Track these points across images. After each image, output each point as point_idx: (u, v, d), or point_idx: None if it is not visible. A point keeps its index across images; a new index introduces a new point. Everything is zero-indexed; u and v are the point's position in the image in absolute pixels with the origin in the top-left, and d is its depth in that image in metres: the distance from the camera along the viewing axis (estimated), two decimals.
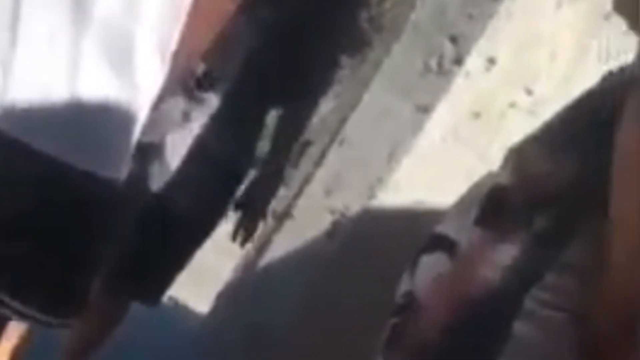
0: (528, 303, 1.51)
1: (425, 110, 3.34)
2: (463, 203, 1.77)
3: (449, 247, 1.65)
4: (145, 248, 3.50)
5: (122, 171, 2.07)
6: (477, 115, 3.32)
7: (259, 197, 3.62)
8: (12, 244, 2.03)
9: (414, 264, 1.71)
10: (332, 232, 3.51)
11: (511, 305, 1.52)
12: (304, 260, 3.56)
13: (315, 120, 3.66)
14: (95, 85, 1.97)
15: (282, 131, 3.60)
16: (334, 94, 3.71)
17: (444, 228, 1.72)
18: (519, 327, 1.51)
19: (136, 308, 3.45)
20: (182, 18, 2.04)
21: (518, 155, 1.68)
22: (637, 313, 1.49)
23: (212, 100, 3.47)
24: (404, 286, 1.71)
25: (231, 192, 3.66)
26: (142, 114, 2.05)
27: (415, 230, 3.34)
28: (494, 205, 1.63)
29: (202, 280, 4.08)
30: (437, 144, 3.34)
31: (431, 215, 3.35)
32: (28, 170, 1.97)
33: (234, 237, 3.54)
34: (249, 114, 3.56)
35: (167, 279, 3.66)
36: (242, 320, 3.60)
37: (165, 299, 3.65)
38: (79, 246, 2.09)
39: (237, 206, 3.60)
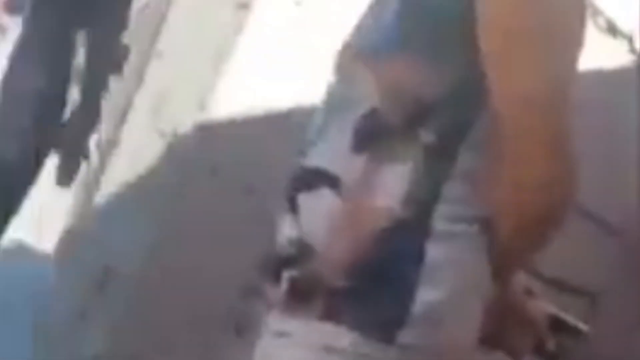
0: (439, 224, 1.43)
1: (245, 6, 3.04)
2: (312, 128, 1.56)
3: (331, 181, 1.51)
4: None
5: None
6: (298, 3, 3.04)
7: (77, 131, 3.46)
8: None
9: (292, 205, 1.55)
10: (167, 157, 3.21)
11: (419, 229, 1.44)
12: (139, 193, 3.27)
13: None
14: None
15: (93, 56, 3.41)
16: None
17: (316, 161, 1.55)
18: (435, 250, 1.43)
19: None
20: None
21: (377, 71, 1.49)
22: (539, 212, 1.45)
23: (14, 29, 3.28)
24: (286, 232, 1.56)
25: (50, 128, 3.48)
26: None
27: (255, 137, 3.12)
28: (370, 128, 1.49)
29: (42, 218, 3.80)
30: (259, 41, 3.04)
31: (273, 117, 3.11)
32: None
33: (58, 178, 3.37)
34: (54, 38, 3.36)
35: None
36: (91, 263, 3.32)
37: (7, 242, 3.49)
38: None
39: (57, 144, 3.42)
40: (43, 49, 3.31)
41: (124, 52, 3.48)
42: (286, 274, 1.54)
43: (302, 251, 1.53)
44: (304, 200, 1.56)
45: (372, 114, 1.50)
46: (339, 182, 1.51)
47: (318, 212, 1.53)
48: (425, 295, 1.42)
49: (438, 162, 1.45)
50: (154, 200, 3.22)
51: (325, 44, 3.03)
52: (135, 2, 3.47)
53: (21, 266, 3.73)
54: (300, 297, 1.50)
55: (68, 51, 3.41)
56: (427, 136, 1.45)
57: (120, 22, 3.43)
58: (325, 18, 3.02)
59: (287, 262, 1.55)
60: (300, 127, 3.04)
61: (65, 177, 3.52)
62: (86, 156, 3.54)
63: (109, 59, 3.53)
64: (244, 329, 3.02)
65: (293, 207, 1.56)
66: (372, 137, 1.50)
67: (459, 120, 1.45)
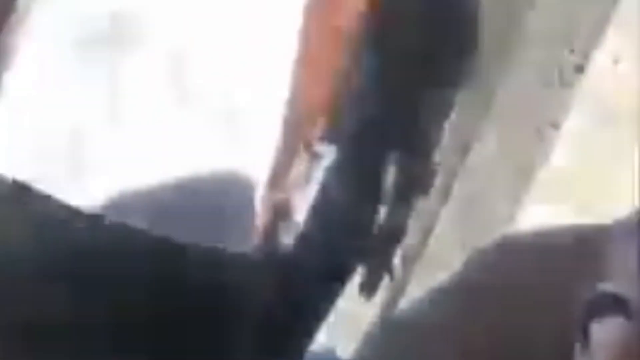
0: None
1: (553, 125, 3.15)
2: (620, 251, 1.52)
3: (622, 306, 1.35)
4: (282, 312, 3.47)
5: (250, 241, 2.04)
6: (606, 121, 3.12)
7: (382, 248, 3.60)
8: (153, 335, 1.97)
9: (584, 333, 1.43)
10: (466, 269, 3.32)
11: None
12: (441, 304, 3.38)
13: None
14: (209, 160, 1.94)
15: (403, 179, 3.56)
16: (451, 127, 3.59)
17: (610, 286, 1.47)
18: None
19: None
20: (286, 76, 1.99)
21: None
22: None
23: (332, 154, 3.46)
24: None
25: (358, 245, 3.64)
26: (260, 180, 2.02)
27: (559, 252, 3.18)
28: None
29: (345, 327, 3.96)
30: (567, 157, 3.14)
31: (564, 232, 3.16)
32: (163, 259, 1.93)
33: (361, 290, 3.50)
34: (369, 164, 3.54)
35: (306, 339, 3.60)
36: None
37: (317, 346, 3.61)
38: (221, 326, 2.05)
39: (363, 258, 3.58)
40: (357, 171, 3.48)
41: (433, 172, 3.64)
42: None
43: None
44: (596, 328, 1.49)
45: None
46: (629, 306, 1.35)
47: (610, 342, 1.41)
48: None
49: None
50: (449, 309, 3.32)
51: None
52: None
53: None
54: None
55: (380, 172, 3.57)
56: None
57: (433, 143, 3.59)
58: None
59: None
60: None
61: (368, 289, 3.68)
62: (390, 272, 3.69)
63: (418, 179, 3.68)
64: None
65: (585, 336, 1.40)
66: None
67: None
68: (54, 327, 1.94)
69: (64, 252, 1.95)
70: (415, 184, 3.64)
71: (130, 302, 1.97)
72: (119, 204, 1.94)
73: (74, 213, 1.95)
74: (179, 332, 1.98)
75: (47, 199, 1.94)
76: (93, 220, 1.94)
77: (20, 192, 1.91)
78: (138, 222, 1.96)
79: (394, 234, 3.68)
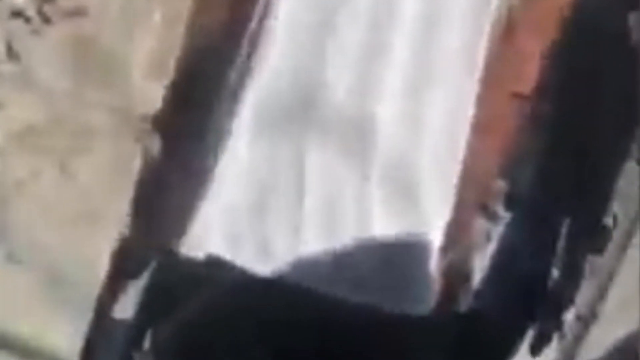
0: None
1: None
2: None
3: None
4: None
5: (430, 304, 2.05)
6: None
7: (554, 307, 3.55)
8: None
9: None
10: None
11: None
12: None
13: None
14: (387, 226, 1.95)
15: (574, 242, 3.51)
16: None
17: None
18: None
19: None
20: (461, 141, 2.00)
21: None
22: None
23: (509, 217, 3.44)
24: None
25: (532, 305, 3.61)
26: (436, 243, 2.03)
27: None
28: None
29: None
30: None
31: None
32: (346, 320, 1.95)
33: (532, 349, 3.46)
34: (546, 226, 3.51)
35: None
36: None
37: None
38: None
39: (536, 319, 3.54)
40: (534, 232, 3.44)
41: (608, 233, 3.56)
42: None
43: None
44: None
45: None
46: None
47: None
48: None
49: None
50: None
51: None
52: None
53: None
54: None
55: (555, 234, 3.53)
56: None
57: (604, 208, 3.52)
58: None
59: None
60: None
61: (538, 348, 3.62)
62: (560, 330, 3.62)
63: (590, 241, 3.61)
64: None
65: None
66: None
67: None
68: None
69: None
70: (587, 244, 3.58)
71: None
72: (315, 271, 1.99)
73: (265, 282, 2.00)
74: None
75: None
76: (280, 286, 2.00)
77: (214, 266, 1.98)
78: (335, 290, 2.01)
79: (566, 295, 3.62)
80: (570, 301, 3.58)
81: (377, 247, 2.00)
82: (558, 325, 3.61)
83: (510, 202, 3.30)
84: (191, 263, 2.04)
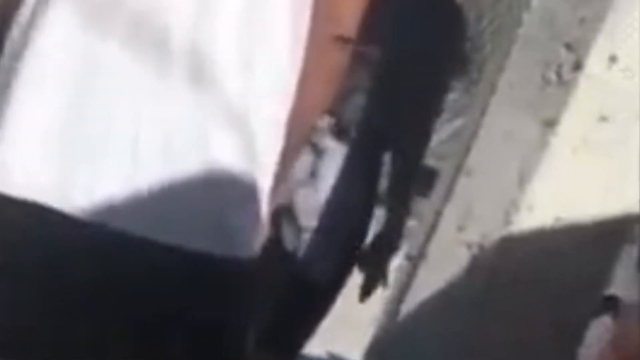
0: None
1: (551, 124, 3.18)
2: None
3: (614, 305, 1.43)
4: (284, 314, 3.49)
5: (255, 247, 1.98)
6: (605, 119, 3.14)
7: (379, 253, 3.64)
8: (159, 344, 1.94)
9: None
10: (472, 268, 3.35)
11: None
12: (446, 303, 3.41)
13: (437, 151, 3.57)
14: (216, 163, 1.89)
15: (399, 172, 3.59)
16: (448, 122, 3.62)
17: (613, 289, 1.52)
18: None
19: None
20: (292, 81, 1.97)
21: None
22: None
23: (337, 152, 3.47)
24: None
25: (359, 244, 3.67)
26: (265, 183, 1.96)
27: (556, 251, 3.21)
28: None
29: (351, 330, 3.99)
30: (567, 157, 3.16)
31: (571, 232, 3.21)
32: (164, 265, 1.88)
33: (360, 295, 3.54)
34: (371, 159, 3.57)
35: (302, 341, 3.63)
36: None
37: (323, 353, 3.62)
38: (222, 332, 2.01)
39: (362, 259, 3.61)
40: (357, 172, 3.49)
41: (431, 173, 3.66)
42: None
43: None
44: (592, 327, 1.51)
45: None
46: (618, 305, 1.45)
47: (600, 339, 1.48)
48: None
49: None
50: (459, 309, 3.34)
51: (634, 160, 3.14)
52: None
53: None
54: None
55: (377, 173, 3.59)
56: None
57: (424, 144, 3.61)
58: (633, 134, 3.11)
59: None
60: (601, 246, 3.15)
61: (365, 294, 3.70)
62: (385, 277, 3.71)
63: (414, 181, 3.70)
64: None
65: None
66: None
67: None
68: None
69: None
70: (411, 186, 3.65)
71: (121, 306, 1.92)
72: (119, 209, 1.90)
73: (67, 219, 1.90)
74: (174, 337, 1.95)
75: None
76: (83, 225, 1.90)
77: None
78: (134, 228, 1.91)
79: (390, 238, 3.69)
80: (395, 246, 3.65)
81: (206, 186, 1.95)
82: (383, 273, 3.68)
83: (337, 136, 3.35)
84: None
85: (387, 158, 3.61)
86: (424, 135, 3.65)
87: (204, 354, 1.96)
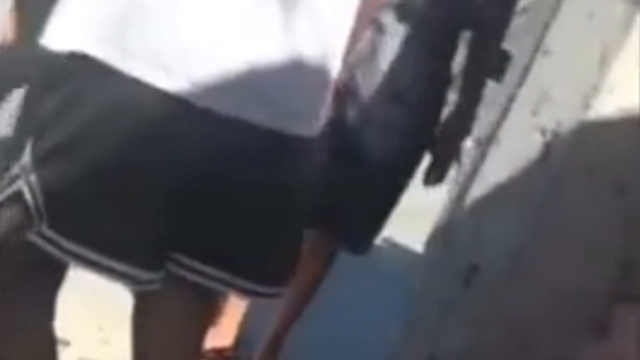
0: None
1: (637, 2, 2.99)
2: None
3: None
4: (347, 197, 3.42)
5: (319, 126, 2.04)
6: None
7: (451, 135, 3.51)
8: (211, 212, 1.95)
9: None
10: (546, 155, 3.20)
11: None
12: (517, 191, 3.28)
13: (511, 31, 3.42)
14: (289, 48, 1.89)
15: (472, 60, 3.45)
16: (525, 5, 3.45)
17: None
18: None
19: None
20: None
21: None
22: None
23: (400, 31, 3.35)
24: None
25: (426, 128, 3.55)
26: (334, 67, 1.99)
27: (635, 138, 3.05)
28: None
29: (414, 219, 3.90)
30: None
31: None
32: (233, 139, 1.89)
33: (426, 178, 3.44)
34: (439, 43, 3.43)
35: (374, 225, 3.55)
36: (459, 262, 3.36)
37: (380, 241, 3.58)
38: (285, 210, 2.01)
39: (430, 145, 3.49)
40: (426, 50, 3.37)
41: (505, 56, 3.50)
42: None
43: None
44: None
45: None
46: None
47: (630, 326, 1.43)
48: None
49: None
50: (528, 199, 3.22)
51: None
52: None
53: (394, 259, 3.83)
54: None
55: (450, 54, 3.47)
56: None
57: (501, 26, 3.46)
58: None
59: None
60: None
61: (434, 178, 3.58)
62: (458, 159, 3.58)
63: (488, 63, 3.56)
64: (606, 333, 2.94)
65: None
66: None
67: None
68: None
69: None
70: (485, 67, 3.52)
71: (190, 171, 1.93)
72: (208, 89, 1.91)
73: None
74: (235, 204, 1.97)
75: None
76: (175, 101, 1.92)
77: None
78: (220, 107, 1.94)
79: (463, 121, 3.57)
80: (467, 131, 3.53)
81: (272, 66, 1.93)
82: (455, 154, 3.57)
83: (402, 14, 3.22)
84: (73, 68, 1.90)
85: (458, 39, 3.46)
86: (501, 22, 3.47)
87: (272, 216, 2.01)
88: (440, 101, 3.50)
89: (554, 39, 3.17)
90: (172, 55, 1.91)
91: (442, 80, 3.48)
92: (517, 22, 3.49)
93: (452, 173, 3.70)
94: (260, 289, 2.11)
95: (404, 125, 3.44)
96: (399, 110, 3.41)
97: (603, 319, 2.94)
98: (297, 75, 1.98)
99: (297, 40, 1.96)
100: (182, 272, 2.02)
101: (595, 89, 3.04)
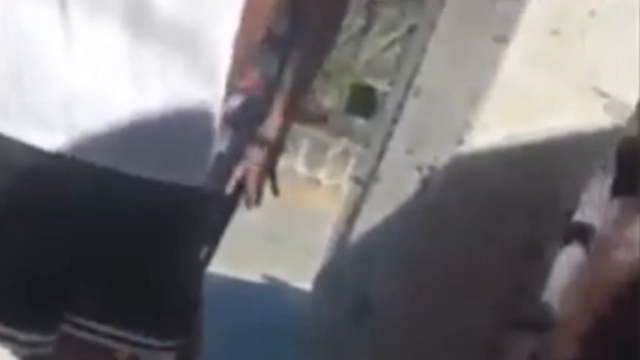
0: None
1: (503, 39, 3.11)
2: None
3: (583, 233, 1.41)
4: None
5: (198, 178, 1.99)
6: (556, 32, 3.08)
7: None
8: (98, 267, 1.93)
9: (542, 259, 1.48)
10: (423, 190, 3.30)
11: None
12: (397, 223, 3.37)
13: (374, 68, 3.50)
14: (170, 93, 1.88)
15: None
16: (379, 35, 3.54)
17: (579, 215, 1.49)
18: None
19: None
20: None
21: None
22: None
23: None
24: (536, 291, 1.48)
25: None
26: (217, 108, 1.96)
27: (509, 168, 3.17)
28: (627, 161, 1.39)
29: (297, 256, 3.94)
30: (518, 73, 3.11)
31: (525, 150, 3.17)
32: (118, 194, 1.86)
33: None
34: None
35: None
36: (346, 294, 3.42)
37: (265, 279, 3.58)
38: (172, 258, 2.01)
39: None
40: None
41: (369, 93, 3.55)
42: (528, 343, 1.49)
43: (545, 319, 1.47)
44: (559, 260, 1.51)
45: (631, 141, 1.43)
46: (589, 233, 1.44)
47: (564, 272, 1.48)
48: None
49: None
50: (410, 232, 3.30)
51: (582, 74, 3.11)
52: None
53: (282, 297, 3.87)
54: None
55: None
56: None
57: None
58: (582, 48, 3.07)
59: (530, 325, 1.50)
60: (553, 158, 3.11)
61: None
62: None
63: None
64: (497, 356, 3.05)
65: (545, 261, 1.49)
66: (629, 169, 1.43)
67: None
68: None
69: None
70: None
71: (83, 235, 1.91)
72: (90, 143, 1.88)
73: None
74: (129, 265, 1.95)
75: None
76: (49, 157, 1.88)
77: None
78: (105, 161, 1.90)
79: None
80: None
81: (155, 114, 1.91)
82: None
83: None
84: None
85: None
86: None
87: (160, 269, 1.97)
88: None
89: (424, 78, 3.28)
90: (52, 111, 1.90)
91: None
92: (387, 60, 3.59)
93: (334, 212, 3.78)
94: (156, 343, 2.10)
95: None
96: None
97: (497, 346, 3.04)
98: (178, 122, 1.97)
99: (175, 86, 1.96)
100: (72, 331, 2.01)
101: (467, 125, 3.15)
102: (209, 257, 2.89)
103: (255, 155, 2.92)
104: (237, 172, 2.75)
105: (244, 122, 3.12)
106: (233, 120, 3.11)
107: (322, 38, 3.09)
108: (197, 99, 1.96)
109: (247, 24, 2.05)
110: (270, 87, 3.01)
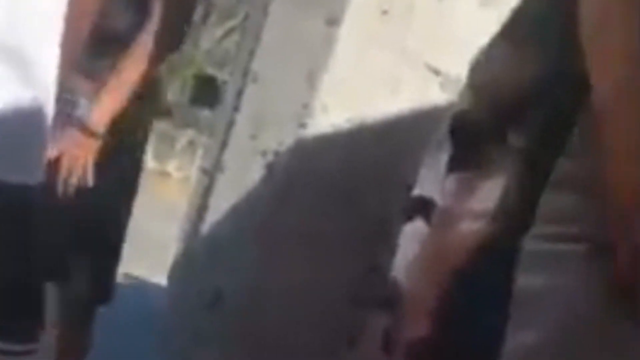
0: (531, 244, 1.17)
1: (334, 22, 3.15)
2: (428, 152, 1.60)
3: (425, 207, 1.46)
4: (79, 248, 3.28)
5: (38, 175, 2.01)
6: (385, 12, 3.13)
7: None
8: None
9: (392, 236, 1.53)
10: (268, 175, 3.31)
11: (509, 249, 1.21)
12: (243, 211, 3.38)
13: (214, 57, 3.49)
14: (8, 99, 1.90)
15: None
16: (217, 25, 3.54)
17: (418, 189, 1.53)
18: (533, 277, 1.15)
19: None
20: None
21: (475, 69, 1.50)
22: None
23: None
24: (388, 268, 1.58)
25: None
26: (49, 108, 1.99)
27: (353, 150, 3.21)
28: (460, 135, 1.46)
29: (152, 251, 3.91)
30: (353, 54, 3.15)
31: (367, 130, 3.21)
32: None
33: None
34: None
35: (112, 272, 3.44)
36: (199, 285, 3.42)
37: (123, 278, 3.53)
38: (15, 263, 2.00)
39: None
40: None
41: (210, 83, 3.55)
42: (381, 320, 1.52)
43: (393, 295, 1.50)
44: (404, 235, 1.53)
45: (462, 114, 1.48)
46: (430, 206, 1.46)
47: (409, 247, 1.49)
48: (521, 336, 1.16)
49: (531, 170, 1.29)
50: (257, 219, 3.31)
51: (415, 53, 3.16)
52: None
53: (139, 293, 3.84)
54: (388, 348, 1.49)
55: None
56: (516, 140, 1.32)
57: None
58: (412, 26, 3.13)
59: (381, 303, 1.53)
60: (394, 137, 3.17)
61: None
62: None
63: None
64: (356, 339, 3.09)
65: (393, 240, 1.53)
66: (462, 144, 1.46)
67: (554, 121, 1.28)
68: None
69: None
70: None
71: None
72: None
73: None
74: None
75: None
76: None
77: None
78: None
79: None
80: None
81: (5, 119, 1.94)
82: None
83: None
84: None
85: None
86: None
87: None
88: None
89: (260, 63, 3.29)
90: None
91: None
92: (227, 50, 3.59)
93: (184, 204, 3.76)
94: (17, 347, 2.11)
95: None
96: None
97: (352, 325, 3.08)
98: (11, 122, 1.99)
99: (11, 92, 1.98)
100: None
101: (306, 107, 3.18)
102: None
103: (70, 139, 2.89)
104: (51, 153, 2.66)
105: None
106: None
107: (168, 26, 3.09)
108: (30, 102, 1.98)
109: (72, 25, 2.08)
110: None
